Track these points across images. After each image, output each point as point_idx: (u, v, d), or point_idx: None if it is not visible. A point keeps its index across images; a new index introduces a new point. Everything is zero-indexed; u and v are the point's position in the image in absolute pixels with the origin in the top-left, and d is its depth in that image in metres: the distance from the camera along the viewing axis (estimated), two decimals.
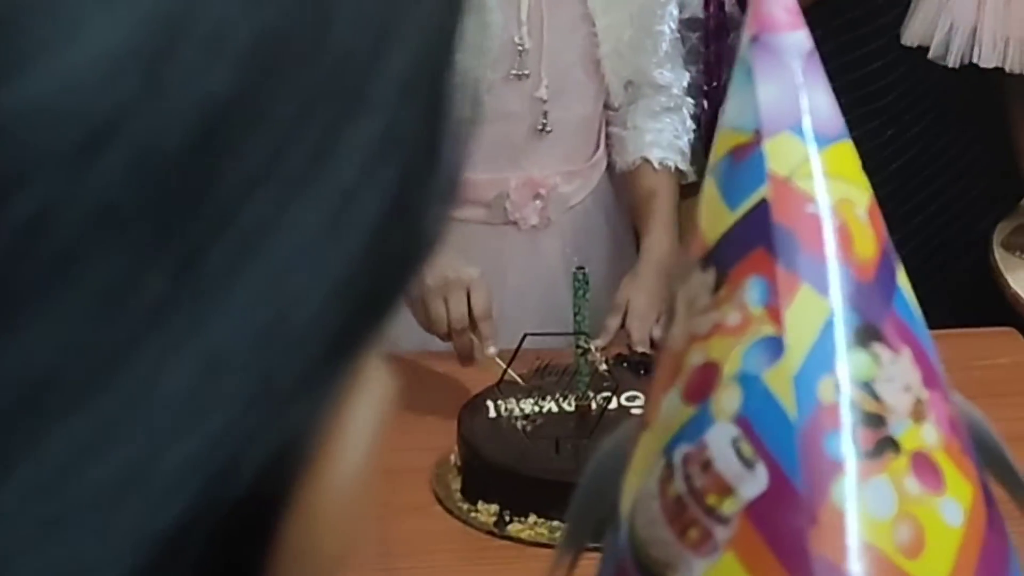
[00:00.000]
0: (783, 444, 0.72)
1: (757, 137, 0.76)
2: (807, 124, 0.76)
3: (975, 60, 2.62)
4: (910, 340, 0.76)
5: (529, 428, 2.06)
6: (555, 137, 2.32)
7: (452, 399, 2.18)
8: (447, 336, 2.16)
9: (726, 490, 0.73)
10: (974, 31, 2.62)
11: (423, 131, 0.39)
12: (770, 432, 0.73)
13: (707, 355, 0.75)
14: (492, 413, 2.08)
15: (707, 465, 0.73)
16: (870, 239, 0.77)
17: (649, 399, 0.78)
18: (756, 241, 0.75)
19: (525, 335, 2.10)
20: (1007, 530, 0.78)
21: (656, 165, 2.33)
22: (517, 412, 2.08)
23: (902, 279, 0.78)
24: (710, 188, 0.78)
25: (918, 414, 0.75)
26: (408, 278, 0.40)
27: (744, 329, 0.74)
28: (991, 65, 2.62)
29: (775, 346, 0.74)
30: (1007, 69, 2.62)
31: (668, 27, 2.36)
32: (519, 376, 2.12)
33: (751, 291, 0.75)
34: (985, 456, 0.80)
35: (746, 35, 0.78)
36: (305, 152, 0.36)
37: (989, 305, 2.73)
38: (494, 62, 2.25)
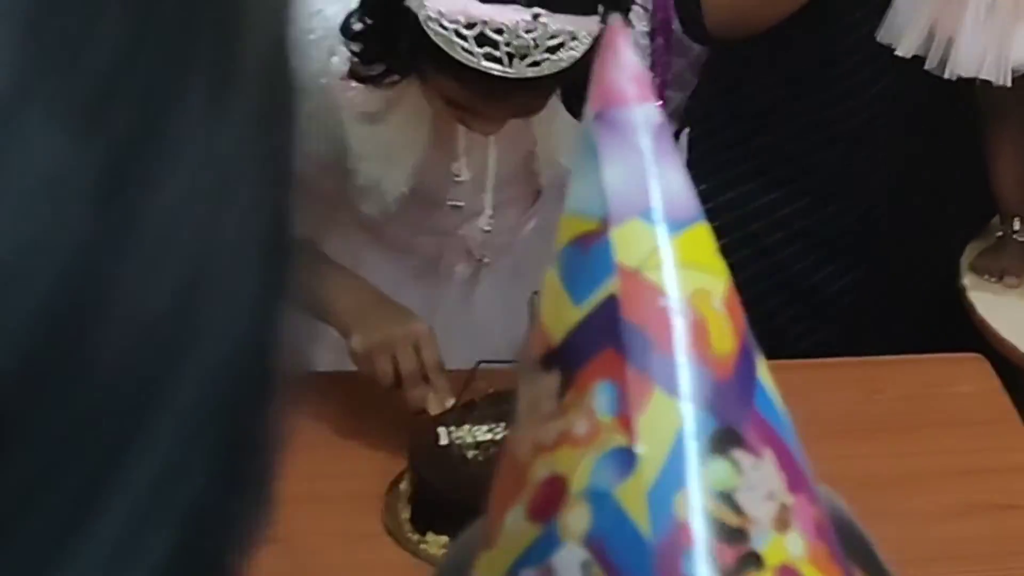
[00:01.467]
0: (638, 568, 0.66)
1: (604, 225, 0.69)
2: (658, 209, 0.70)
3: (956, 70, 2.52)
4: (773, 441, 0.70)
5: (481, 457, 1.99)
6: (493, 232, 2.26)
7: (405, 421, 2.09)
8: (394, 388, 2.06)
9: None
10: (952, 40, 2.52)
11: (222, 457, 0.32)
12: (623, 554, 0.66)
13: (553, 468, 0.69)
14: (444, 440, 2.01)
15: None
16: (728, 331, 0.70)
17: (491, 514, 0.72)
18: (604, 341, 0.69)
19: (479, 362, 2.03)
20: None
21: None
22: (469, 440, 2.01)
23: (763, 371, 0.72)
24: (552, 279, 0.71)
25: (782, 523, 0.69)
26: None
27: (593, 439, 0.68)
28: (969, 75, 2.52)
29: (627, 458, 0.67)
30: (994, 82, 2.51)
31: None
32: (467, 403, 2.05)
33: (600, 397, 0.68)
34: (851, 550, 0.74)
35: (589, 111, 0.71)
36: (59, 513, 0.29)
37: (956, 330, 2.65)
38: (421, 184, 2.14)
